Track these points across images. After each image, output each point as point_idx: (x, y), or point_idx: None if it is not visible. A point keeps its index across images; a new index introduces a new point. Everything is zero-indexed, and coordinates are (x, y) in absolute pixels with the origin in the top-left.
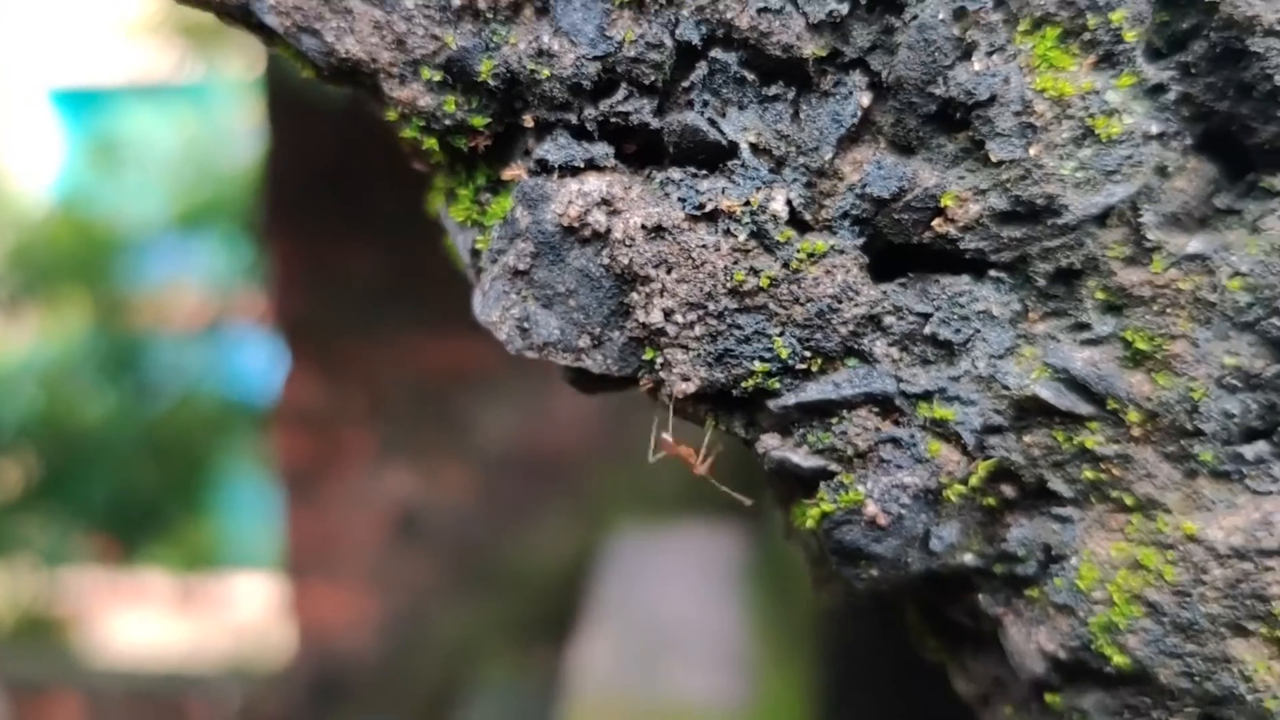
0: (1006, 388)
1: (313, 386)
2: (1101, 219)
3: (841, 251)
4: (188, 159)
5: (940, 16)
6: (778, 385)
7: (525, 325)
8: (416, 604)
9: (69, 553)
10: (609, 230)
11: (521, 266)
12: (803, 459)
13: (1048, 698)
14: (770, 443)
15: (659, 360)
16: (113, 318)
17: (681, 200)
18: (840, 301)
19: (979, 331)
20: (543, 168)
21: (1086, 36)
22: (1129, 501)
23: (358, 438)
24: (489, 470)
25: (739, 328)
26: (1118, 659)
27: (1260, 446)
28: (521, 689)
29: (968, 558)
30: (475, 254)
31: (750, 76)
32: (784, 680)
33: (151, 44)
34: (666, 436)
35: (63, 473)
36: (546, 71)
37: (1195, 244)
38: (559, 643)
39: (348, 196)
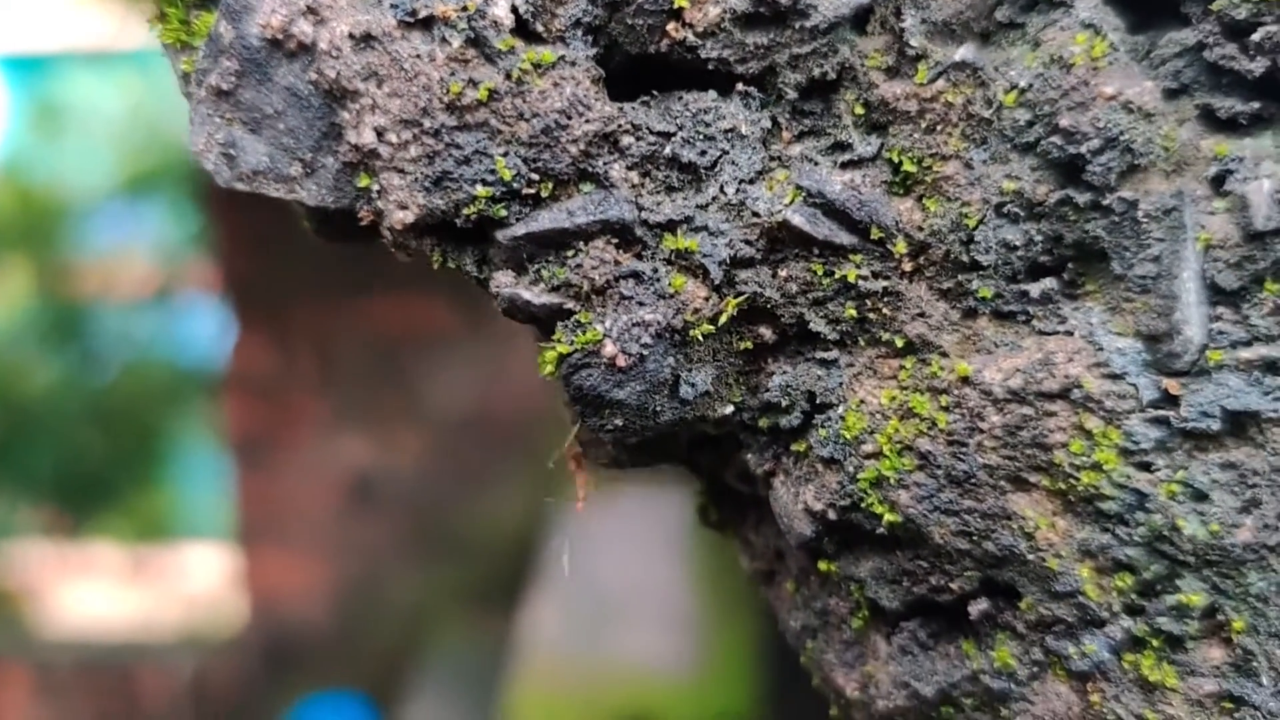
0: (757, 215)
1: (262, 352)
2: (858, 22)
3: (572, 63)
4: (133, 125)
5: None
6: (504, 213)
7: (231, 152)
8: (370, 570)
9: (16, 526)
10: (315, 42)
11: (226, 86)
12: (536, 296)
13: (822, 566)
14: (503, 280)
15: (374, 187)
16: (57, 285)
17: (394, 6)
18: (569, 117)
19: (726, 153)
20: None
21: None
22: (900, 344)
23: (309, 403)
24: (443, 435)
25: (457, 147)
26: (889, 517)
27: (1048, 283)
28: (475, 654)
29: (728, 409)
30: (185, 78)
31: None
32: (730, 640)
33: (96, 9)
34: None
35: (8, 444)
36: None
37: (964, 51)
38: (512, 606)
39: None
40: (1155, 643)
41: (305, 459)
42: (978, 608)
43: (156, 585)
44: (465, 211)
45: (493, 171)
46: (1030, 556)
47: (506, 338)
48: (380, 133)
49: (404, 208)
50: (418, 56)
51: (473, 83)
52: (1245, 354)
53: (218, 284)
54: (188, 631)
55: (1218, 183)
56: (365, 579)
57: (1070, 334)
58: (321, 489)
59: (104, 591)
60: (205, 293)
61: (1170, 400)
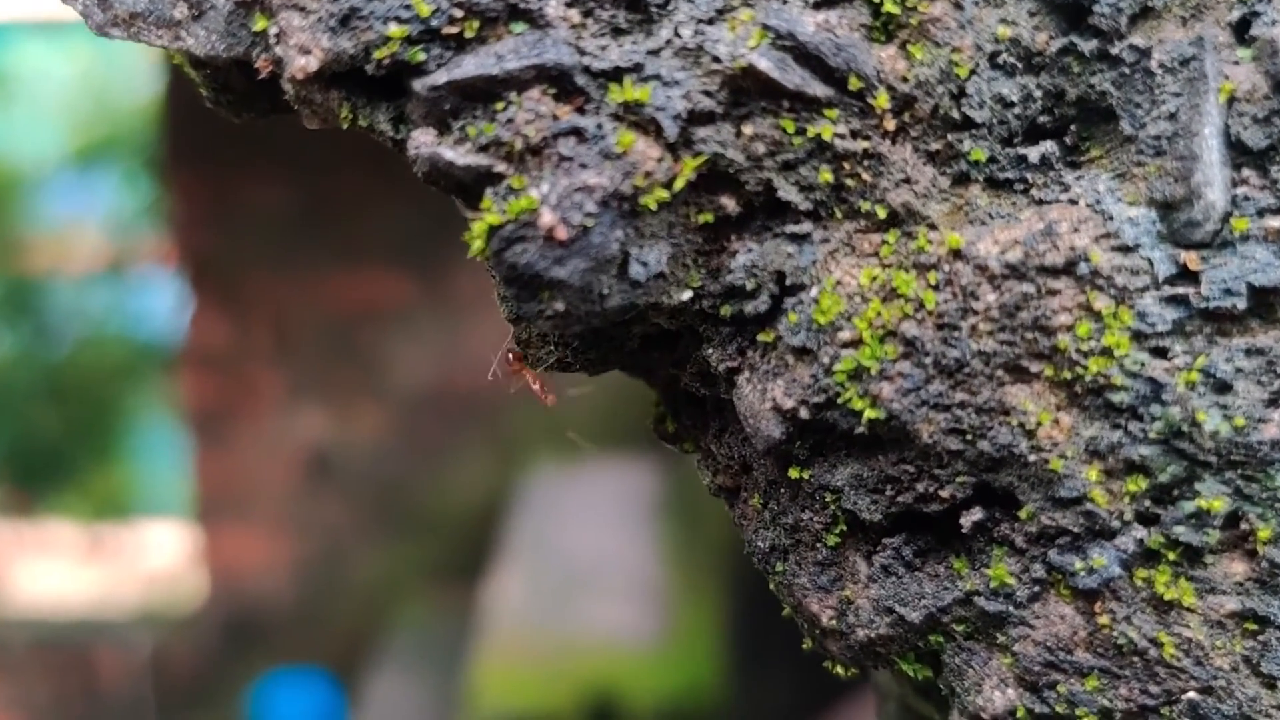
0: (717, 60)
1: (219, 326)
2: None
3: None
4: (84, 93)
5: None
6: (423, 57)
7: None
8: (331, 546)
9: None
10: None
11: None
12: (460, 156)
13: (793, 473)
14: (422, 139)
15: (272, 30)
16: (9, 259)
17: None
18: None
19: None
20: None
21: None
22: (882, 214)
23: (267, 378)
24: (403, 409)
25: None
26: (870, 413)
27: (1047, 147)
28: (438, 628)
29: (686, 295)
30: None
31: None
32: (696, 613)
33: None
34: (511, 354)
35: None
36: None
37: None
38: (475, 580)
39: (252, 128)
40: (1171, 555)
41: (263, 434)
42: (971, 518)
43: (114, 562)
44: (377, 55)
45: (408, 6)
46: (1031, 457)
47: (466, 312)
48: None
49: (306, 52)
50: None
51: None
52: (1274, 222)
53: (173, 257)
54: (146, 609)
55: (1242, 28)
56: (326, 554)
57: (1074, 203)
58: (280, 464)
59: (61, 569)
60: (160, 266)
61: (1188, 276)
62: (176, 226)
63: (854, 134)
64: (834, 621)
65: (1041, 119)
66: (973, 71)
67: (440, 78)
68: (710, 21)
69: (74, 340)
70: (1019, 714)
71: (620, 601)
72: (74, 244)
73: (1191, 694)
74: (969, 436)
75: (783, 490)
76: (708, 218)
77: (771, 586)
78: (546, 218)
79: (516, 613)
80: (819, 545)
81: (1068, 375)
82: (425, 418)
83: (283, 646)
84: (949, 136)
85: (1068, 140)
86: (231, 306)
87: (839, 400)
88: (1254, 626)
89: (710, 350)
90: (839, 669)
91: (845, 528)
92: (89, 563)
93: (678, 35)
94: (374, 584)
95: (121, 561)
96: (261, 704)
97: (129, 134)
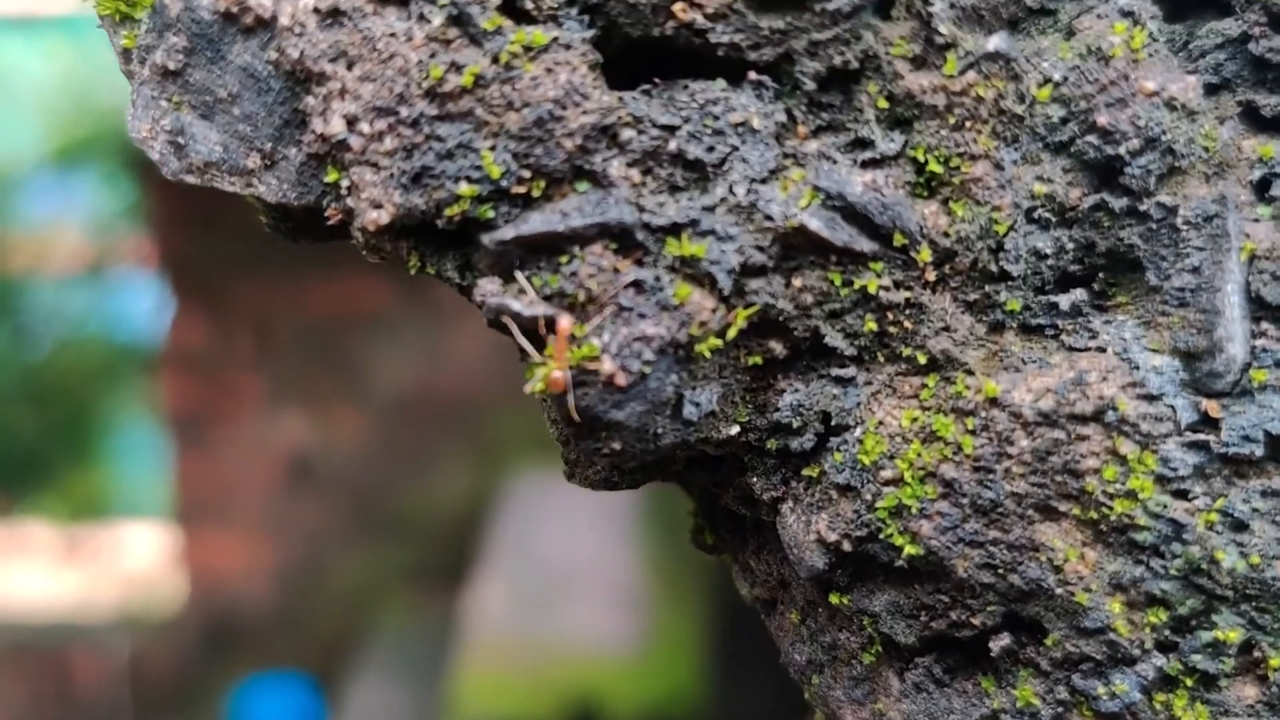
0: (770, 218)
1: (200, 329)
2: (882, 6)
3: (566, 46)
4: (64, 93)
5: None
6: (491, 214)
7: (180, 140)
8: (312, 550)
9: None
10: (275, 17)
11: (173, 66)
12: (526, 307)
13: (833, 599)
14: (489, 288)
15: (344, 183)
16: None
17: None
18: (564, 108)
19: (736, 149)
20: None
21: None
22: (922, 360)
23: (247, 381)
24: (384, 414)
25: (439, 139)
26: (910, 549)
27: (1078, 295)
28: (419, 633)
29: (733, 430)
30: (126, 55)
31: None
32: (677, 619)
33: None
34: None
35: None
36: None
37: (996, 41)
38: (457, 586)
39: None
40: (1188, 681)
41: (244, 437)
42: (1000, 644)
43: (92, 565)
44: (448, 212)
45: (479, 167)
46: (1058, 590)
47: (448, 317)
48: (351, 122)
49: (378, 207)
50: (393, 35)
51: (456, 67)
52: None
53: (153, 258)
54: (125, 612)
55: (1262, 187)
56: (307, 558)
57: (1102, 350)
58: (261, 467)
59: (38, 571)
60: (140, 267)
61: (1209, 423)
62: (157, 228)
63: (897, 285)
64: None
65: (1073, 268)
66: (1010, 228)
67: (508, 233)
68: (763, 180)
69: (53, 341)
70: None
71: (601, 608)
72: (53, 244)
73: None
74: (1001, 571)
75: (821, 610)
76: (757, 360)
77: (806, 695)
78: (607, 365)
79: (498, 619)
80: (854, 662)
81: (1094, 515)
82: (406, 423)
83: (262, 651)
84: (986, 287)
85: (1096, 287)
86: (212, 309)
87: (880, 535)
88: None
89: (754, 479)
90: None
91: (880, 648)
92: (67, 565)
93: (732, 193)
94: (354, 589)
95: (100, 564)
96: (241, 709)
97: (110, 134)
